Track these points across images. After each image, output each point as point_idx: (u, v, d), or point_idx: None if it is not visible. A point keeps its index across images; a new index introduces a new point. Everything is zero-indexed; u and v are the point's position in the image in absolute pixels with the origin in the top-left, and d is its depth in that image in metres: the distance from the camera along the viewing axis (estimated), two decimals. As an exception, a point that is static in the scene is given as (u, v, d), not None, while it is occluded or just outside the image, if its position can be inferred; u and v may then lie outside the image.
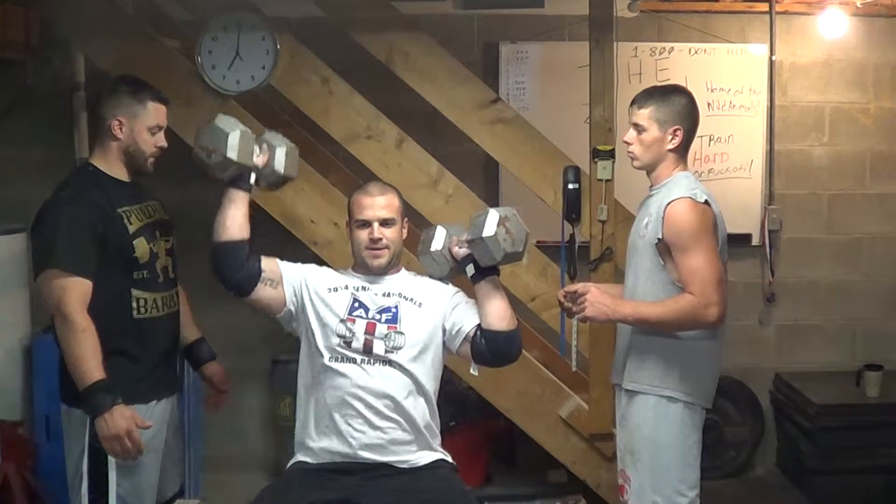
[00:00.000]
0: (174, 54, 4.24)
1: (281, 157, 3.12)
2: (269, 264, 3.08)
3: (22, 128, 4.97)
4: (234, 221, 3.00)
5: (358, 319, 3.05)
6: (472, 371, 3.12)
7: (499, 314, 3.02)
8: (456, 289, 3.19)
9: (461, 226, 3.17)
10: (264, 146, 3.10)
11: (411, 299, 3.11)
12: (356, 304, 3.08)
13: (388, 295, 3.12)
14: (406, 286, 3.15)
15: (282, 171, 3.12)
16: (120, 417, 2.85)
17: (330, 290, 3.11)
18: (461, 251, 3.08)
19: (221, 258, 3.01)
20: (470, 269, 3.07)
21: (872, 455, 4.84)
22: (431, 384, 3.10)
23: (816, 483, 4.89)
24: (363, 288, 3.13)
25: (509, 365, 3.19)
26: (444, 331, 3.10)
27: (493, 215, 2.98)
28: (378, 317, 3.06)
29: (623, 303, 3.15)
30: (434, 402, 3.13)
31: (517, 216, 3.03)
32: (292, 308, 3.10)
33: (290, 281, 3.10)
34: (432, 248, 3.14)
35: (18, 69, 4.84)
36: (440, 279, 3.18)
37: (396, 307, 3.08)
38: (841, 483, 4.80)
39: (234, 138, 2.95)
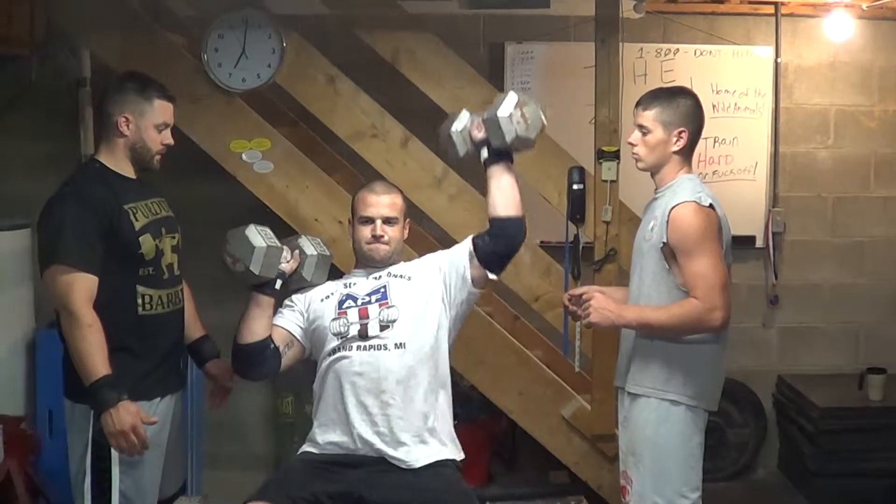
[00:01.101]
0: (180, 51, 4.23)
1: (311, 265, 3.22)
2: (280, 335, 3.15)
3: (26, 123, 4.96)
4: (260, 324, 3.11)
5: (349, 310, 3.10)
6: (490, 277, 3.16)
7: (507, 201, 3.10)
8: (437, 252, 3.28)
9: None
10: (296, 252, 3.20)
11: (399, 275, 3.17)
12: (344, 299, 3.14)
13: (377, 278, 3.18)
14: (396, 267, 3.21)
15: (309, 279, 3.22)
16: (125, 413, 2.85)
17: (322, 300, 3.17)
18: (479, 134, 3.14)
19: (245, 360, 3.13)
20: (484, 153, 3.14)
21: (874, 458, 4.84)
22: (435, 368, 3.09)
23: (818, 486, 4.89)
24: (353, 284, 3.18)
25: (516, 253, 3.23)
26: (445, 287, 3.15)
27: (512, 97, 3.06)
28: (368, 299, 3.11)
29: (627, 308, 3.15)
30: (442, 380, 3.13)
31: (537, 106, 3.09)
32: (311, 344, 3.19)
33: (297, 329, 3.18)
34: (453, 129, 3.20)
35: (23, 64, 4.83)
36: (456, 158, 3.26)
37: (385, 286, 3.14)
38: (843, 486, 4.79)
39: (260, 253, 3.04)
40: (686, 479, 3.12)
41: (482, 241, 3.13)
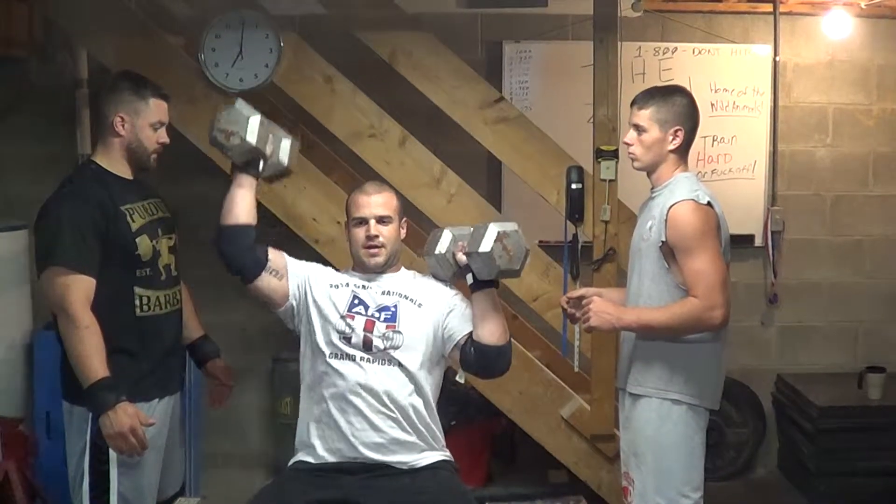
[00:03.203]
0: (177, 51, 4.23)
1: (286, 147, 3.17)
2: (275, 256, 3.11)
3: (24, 124, 4.97)
4: (243, 205, 3.03)
5: (357, 316, 3.06)
6: (458, 378, 3.15)
7: (491, 329, 3.00)
8: (455, 291, 3.19)
9: (469, 229, 3.16)
10: (270, 136, 3.12)
11: (411, 299, 3.11)
12: (356, 301, 3.09)
13: (389, 293, 3.12)
14: (407, 286, 3.16)
15: (286, 161, 3.18)
16: (124, 415, 2.85)
17: (332, 286, 3.13)
18: (464, 258, 3.06)
19: (227, 241, 3.03)
20: (469, 278, 3.06)
21: (874, 457, 4.84)
22: (430, 387, 3.10)
23: (817, 485, 4.88)
24: (363, 286, 3.14)
25: (496, 378, 3.20)
26: (438, 334, 3.10)
27: (492, 231, 2.96)
28: (377, 315, 3.07)
29: (627, 311, 3.14)
30: (433, 404, 3.12)
31: (518, 232, 3.00)
32: (294, 303, 3.12)
33: (294, 275, 3.12)
34: (437, 251, 3.15)
35: (21, 66, 4.84)
36: (443, 281, 3.19)
37: (396, 306, 3.09)
38: (842, 485, 4.79)
39: (255, 122, 3.00)
40: (688, 478, 3.11)
41: (467, 350, 3.02)
